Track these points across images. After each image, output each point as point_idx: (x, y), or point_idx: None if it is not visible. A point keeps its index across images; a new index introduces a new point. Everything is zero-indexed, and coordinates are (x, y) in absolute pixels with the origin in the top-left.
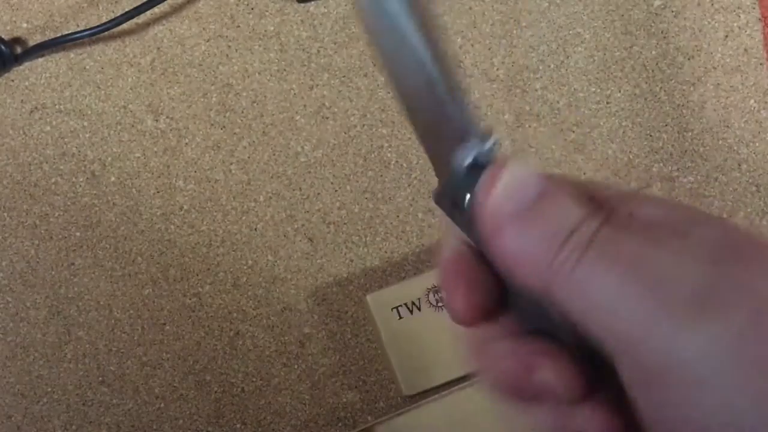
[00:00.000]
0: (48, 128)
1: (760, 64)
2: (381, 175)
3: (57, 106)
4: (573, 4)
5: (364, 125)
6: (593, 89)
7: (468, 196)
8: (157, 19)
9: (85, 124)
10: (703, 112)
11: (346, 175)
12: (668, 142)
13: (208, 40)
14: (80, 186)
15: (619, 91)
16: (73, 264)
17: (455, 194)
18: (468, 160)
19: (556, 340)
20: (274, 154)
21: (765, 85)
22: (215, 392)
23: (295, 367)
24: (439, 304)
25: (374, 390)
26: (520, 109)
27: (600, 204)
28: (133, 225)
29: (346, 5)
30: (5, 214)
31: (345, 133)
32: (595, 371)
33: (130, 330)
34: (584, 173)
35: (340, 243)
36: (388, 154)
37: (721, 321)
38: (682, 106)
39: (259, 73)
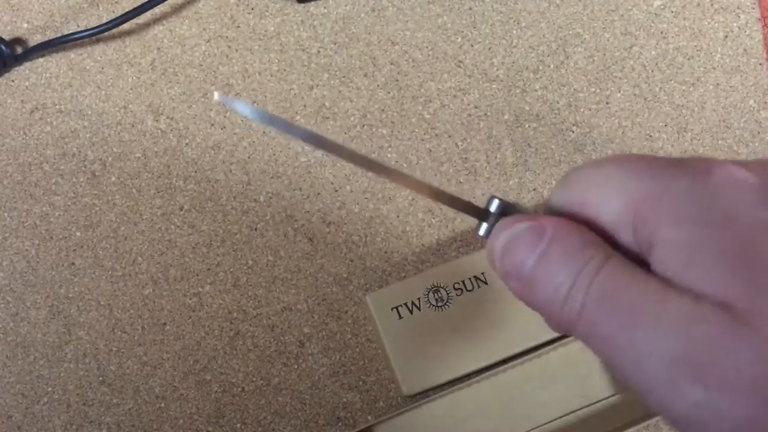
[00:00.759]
0: (48, 128)
1: (760, 64)
2: None
3: (57, 106)
4: (573, 4)
5: (364, 125)
6: (593, 89)
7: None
8: (157, 20)
9: (86, 124)
10: (702, 113)
11: (346, 175)
12: (668, 142)
13: (208, 41)
14: (81, 186)
15: (619, 91)
16: (73, 264)
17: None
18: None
19: None
20: (274, 155)
21: (765, 85)
22: (215, 392)
23: (295, 366)
24: (439, 304)
25: (374, 390)
26: (519, 109)
27: (603, 247)
28: (133, 225)
29: (346, 6)
30: (6, 214)
31: (345, 133)
32: None
33: (131, 330)
34: None
35: (340, 243)
36: (388, 154)
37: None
38: (682, 106)
39: (259, 74)
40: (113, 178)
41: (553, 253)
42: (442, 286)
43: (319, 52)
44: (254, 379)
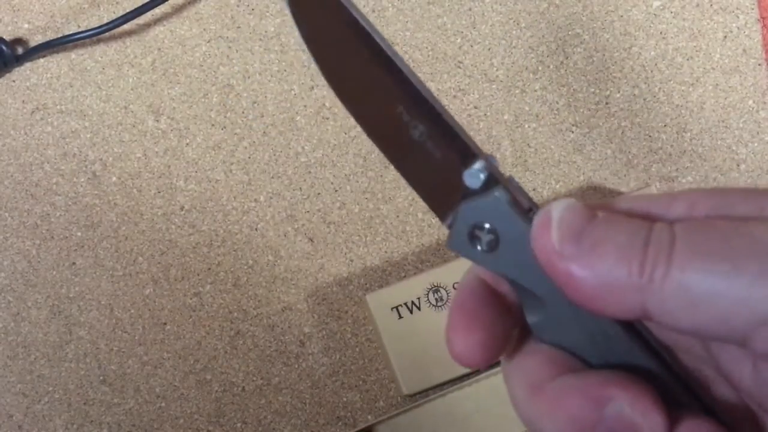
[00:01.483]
0: (49, 128)
1: (759, 64)
2: (381, 175)
3: (58, 107)
4: (572, 5)
5: None
6: (592, 89)
7: (487, 225)
8: (157, 20)
9: (87, 124)
10: (702, 113)
11: (346, 175)
12: (667, 142)
13: (208, 41)
14: (81, 186)
15: (618, 92)
16: (74, 264)
17: (475, 220)
18: (480, 178)
19: (622, 367)
20: (274, 155)
21: (763, 85)
22: (216, 391)
23: (296, 366)
24: (439, 304)
25: (374, 389)
26: (519, 109)
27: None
28: (134, 225)
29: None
30: (7, 214)
31: (345, 133)
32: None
33: (131, 329)
34: (584, 173)
35: (340, 243)
36: None
37: None
38: (681, 106)
39: (259, 74)
40: (114, 178)
41: (612, 213)
42: (442, 286)
43: None
44: (254, 378)
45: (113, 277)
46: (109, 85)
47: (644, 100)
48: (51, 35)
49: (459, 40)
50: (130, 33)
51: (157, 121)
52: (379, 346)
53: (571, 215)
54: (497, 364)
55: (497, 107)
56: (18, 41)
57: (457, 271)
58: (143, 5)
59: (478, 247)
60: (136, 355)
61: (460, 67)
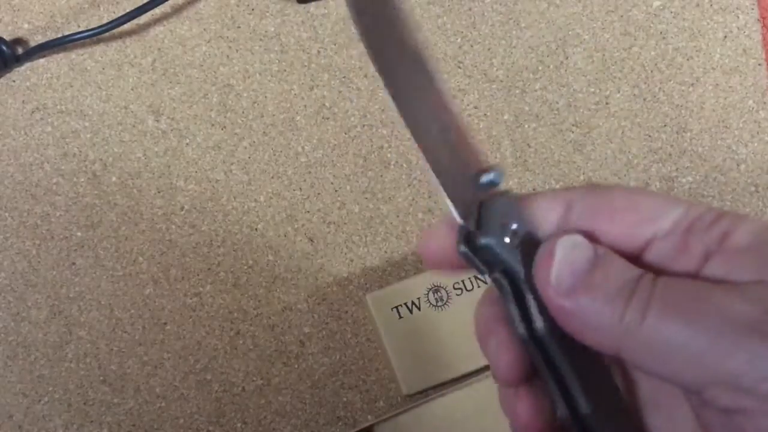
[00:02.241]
0: (49, 128)
1: (759, 64)
2: (381, 175)
3: (58, 107)
4: (572, 4)
5: (364, 125)
6: (592, 89)
7: (513, 226)
8: (158, 20)
9: (87, 124)
10: (701, 113)
11: (346, 175)
12: (667, 142)
13: (208, 41)
14: (81, 186)
15: (618, 92)
16: (74, 264)
17: (505, 217)
18: (486, 183)
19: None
20: (274, 155)
21: (763, 85)
22: (216, 391)
23: (296, 366)
24: (439, 304)
25: (374, 389)
26: (519, 109)
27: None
28: (134, 225)
29: (346, 6)
30: (7, 214)
31: (345, 133)
32: None
33: (131, 329)
34: (584, 173)
35: (340, 243)
36: (388, 154)
37: None
38: (681, 106)
39: (259, 74)
40: (114, 178)
41: (611, 256)
42: (442, 286)
43: (319, 52)
44: (255, 378)
45: (113, 277)
46: (109, 85)
47: (644, 100)
48: (51, 35)
49: (459, 40)
50: (130, 33)
51: (157, 121)
52: (379, 346)
53: (574, 256)
54: None
55: (497, 107)
56: (18, 41)
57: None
58: (143, 5)
59: (506, 240)
60: (136, 355)
61: (460, 67)
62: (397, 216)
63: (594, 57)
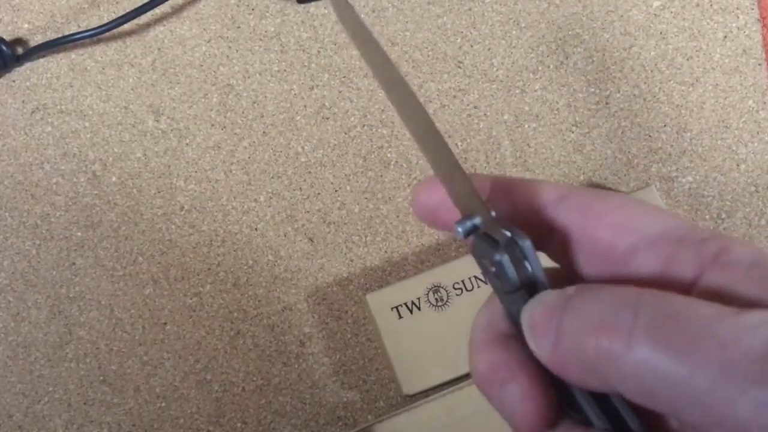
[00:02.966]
0: (49, 128)
1: (759, 64)
2: (381, 175)
3: (58, 107)
4: (572, 4)
5: (364, 125)
6: (592, 89)
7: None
8: (158, 20)
9: (87, 124)
10: (701, 113)
11: (346, 175)
12: (667, 142)
13: (208, 41)
14: (81, 186)
15: (618, 92)
16: (74, 264)
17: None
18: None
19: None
20: (274, 155)
21: (763, 85)
22: (216, 391)
23: (296, 366)
24: (439, 304)
25: (374, 389)
26: (519, 109)
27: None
28: (134, 225)
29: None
30: (7, 214)
31: (345, 133)
32: None
33: (131, 329)
34: (584, 173)
35: (340, 243)
36: (388, 154)
37: None
38: (681, 106)
39: (259, 74)
40: (114, 178)
41: (586, 291)
42: (442, 286)
43: (319, 52)
44: (255, 378)
45: (113, 277)
46: (109, 85)
47: (644, 100)
48: (51, 35)
49: (459, 40)
50: (130, 33)
51: (157, 121)
52: (379, 346)
53: (539, 316)
54: None
55: (497, 107)
56: (18, 41)
57: (457, 271)
58: (143, 5)
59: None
60: (136, 355)
61: (460, 67)
62: (397, 216)
63: (594, 57)
